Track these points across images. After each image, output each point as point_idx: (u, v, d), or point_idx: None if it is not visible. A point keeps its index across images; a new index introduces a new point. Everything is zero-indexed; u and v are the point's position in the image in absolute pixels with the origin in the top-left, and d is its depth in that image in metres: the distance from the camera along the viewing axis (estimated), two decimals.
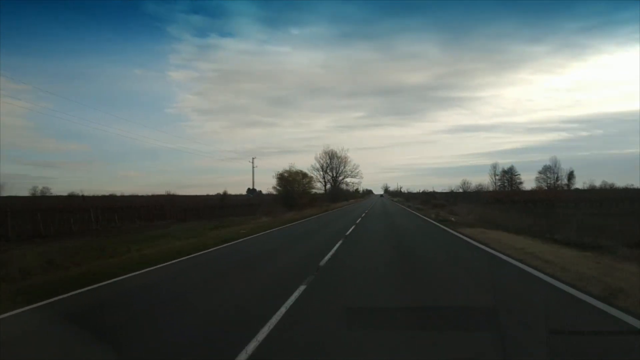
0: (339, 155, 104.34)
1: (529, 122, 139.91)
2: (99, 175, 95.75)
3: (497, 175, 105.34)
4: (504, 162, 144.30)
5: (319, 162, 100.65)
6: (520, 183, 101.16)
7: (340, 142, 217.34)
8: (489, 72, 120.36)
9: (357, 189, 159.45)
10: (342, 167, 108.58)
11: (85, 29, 60.36)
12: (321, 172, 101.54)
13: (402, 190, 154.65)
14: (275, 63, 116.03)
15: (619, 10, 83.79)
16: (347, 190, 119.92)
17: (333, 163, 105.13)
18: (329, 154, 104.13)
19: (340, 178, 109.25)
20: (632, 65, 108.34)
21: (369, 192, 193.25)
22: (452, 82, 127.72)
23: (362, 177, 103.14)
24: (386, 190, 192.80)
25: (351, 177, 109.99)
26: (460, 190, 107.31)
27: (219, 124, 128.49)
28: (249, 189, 73.91)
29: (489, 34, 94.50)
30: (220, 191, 68.65)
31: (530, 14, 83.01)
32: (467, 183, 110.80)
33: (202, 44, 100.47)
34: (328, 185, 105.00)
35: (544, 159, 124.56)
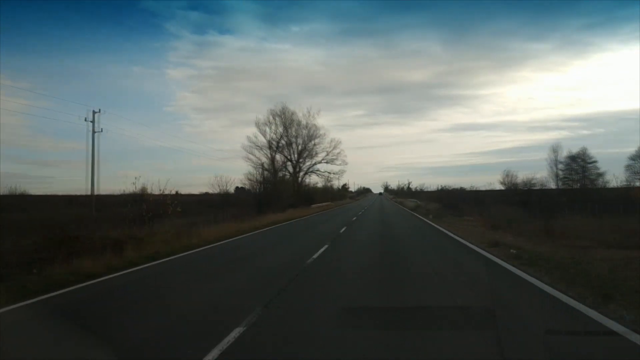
0: (302, 122, 58.90)
1: (530, 121, 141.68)
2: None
3: (561, 162, 64.20)
4: (504, 162, 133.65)
5: (266, 132, 55.27)
6: (600, 175, 60.93)
7: (340, 141, 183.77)
8: (490, 70, 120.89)
9: (346, 185, 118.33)
10: (311, 144, 65.79)
11: (83, 27, 54.76)
12: (269, 152, 59.09)
13: (411, 187, 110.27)
14: (275, 61, 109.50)
15: (621, 7, 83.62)
16: (326, 187, 77.57)
17: (291, 135, 62.95)
18: (282, 117, 61.06)
19: (308, 164, 66.70)
20: (634, 63, 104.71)
21: (366, 191, 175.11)
22: (453, 80, 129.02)
23: (345, 163, 63.57)
24: (386, 188, 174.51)
25: (327, 161, 67.31)
26: (500, 186, 68.46)
27: (217, 122, 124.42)
28: (237, 188, 48.83)
29: (490, 32, 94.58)
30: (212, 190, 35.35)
31: (532, 11, 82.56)
32: (512, 175, 70.23)
33: (201, 42, 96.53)
34: (287, 177, 62.12)
35: (545, 158, 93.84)
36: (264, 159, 56.78)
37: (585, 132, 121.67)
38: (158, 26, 78.14)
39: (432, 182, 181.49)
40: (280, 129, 58.63)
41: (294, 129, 61.17)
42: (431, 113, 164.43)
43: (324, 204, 49.68)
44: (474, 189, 72.32)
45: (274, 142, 58.19)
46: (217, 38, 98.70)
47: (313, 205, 42.65)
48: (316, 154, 64.31)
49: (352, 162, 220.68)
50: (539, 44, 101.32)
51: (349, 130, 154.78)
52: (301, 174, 63.66)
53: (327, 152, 64.13)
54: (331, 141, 63.99)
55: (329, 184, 72.31)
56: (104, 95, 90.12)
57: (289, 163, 60.60)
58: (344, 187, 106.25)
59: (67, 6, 58.41)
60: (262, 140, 56.81)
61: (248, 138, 56.50)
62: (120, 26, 66.04)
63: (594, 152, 78.37)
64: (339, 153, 64.56)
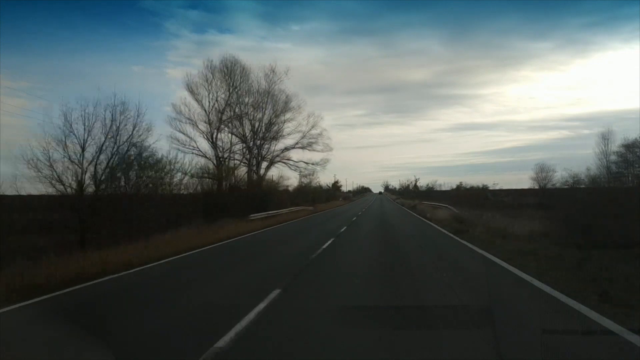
0: (262, 85, 39.90)
1: (530, 120, 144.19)
2: None
3: (613, 154, 47.15)
4: (505, 161, 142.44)
5: (202, 98, 35.83)
6: None
7: (340, 141, 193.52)
8: (491, 69, 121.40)
9: (338, 183, 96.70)
10: (279, 121, 44.97)
11: (82, 26, 52.14)
12: (208, 129, 35.97)
13: (419, 185, 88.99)
14: (275, 60, 74.30)
15: (623, 6, 79.70)
16: (305, 185, 57.11)
17: (244, 104, 38.75)
18: (225, 74, 36.53)
19: (273, 148, 45.54)
20: (635, 62, 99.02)
21: (365, 190, 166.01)
22: (453, 80, 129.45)
23: (329, 149, 44.72)
24: (386, 187, 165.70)
25: (302, 146, 46.82)
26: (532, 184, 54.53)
27: None
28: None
29: (491, 30, 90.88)
30: None
31: (533, 9, 77.95)
32: (547, 170, 55.00)
33: (201, 40, 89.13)
34: (240, 167, 41.23)
35: (546, 158, 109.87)
36: (202, 140, 36.93)
37: (586, 131, 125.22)
38: (158, 25, 77.24)
39: (439, 181, 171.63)
40: (224, 94, 38.51)
41: (251, 97, 40.78)
42: (432, 112, 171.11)
43: (286, 210, 29.73)
44: (497, 187, 53.64)
45: (214, 114, 38.17)
46: (217, 37, 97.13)
47: (255, 216, 22.76)
48: (284, 135, 44.21)
49: (352, 161, 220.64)
50: (540, 43, 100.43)
51: (349, 130, 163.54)
52: (264, 164, 43.84)
53: (302, 133, 44.10)
54: (309, 116, 43.85)
55: (307, 181, 52.37)
56: (103, 94, 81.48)
57: (242, 146, 40.69)
58: (335, 185, 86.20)
59: (65, 7, 55.01)
60: (198, 110, 36.69)
61: (174, 107, 36.41)
62: (119, 26, 64.04)
63: (594, 151, 71.03)
64: (319, 135, 44.41)
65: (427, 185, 72.02)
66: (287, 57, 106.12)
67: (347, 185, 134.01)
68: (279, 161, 43.32)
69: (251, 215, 22.75)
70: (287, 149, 43.27)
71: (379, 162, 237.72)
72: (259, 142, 40.99)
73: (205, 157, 35.97)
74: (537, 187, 63.15)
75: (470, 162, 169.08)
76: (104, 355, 4.01)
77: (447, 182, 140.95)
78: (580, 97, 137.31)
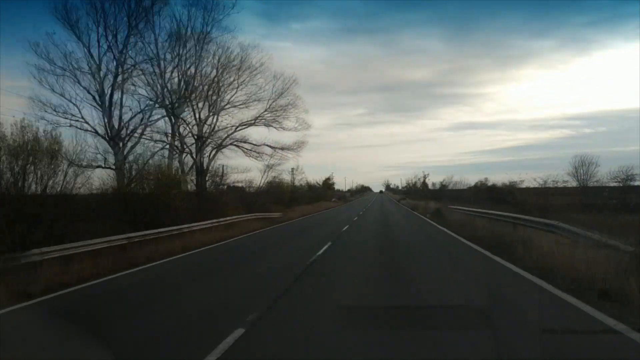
0: (198, 21, 25.23)
1: (532, 120, 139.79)
2: None
3: None
4: (506, 160, 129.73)
5: (84, 32, 20.37)
6: None
7: (341, 140, 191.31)
8: (492, 68, 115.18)
9: (329, 180, 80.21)
10: (231, 83, 26.12)
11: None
12: (94, 82, 20.97)
13: (427, 183, 73.66)
14: (275, 59, 49.39)
15: (624, 4, 78.13)
16: (280, 183, 42.53)
17: (167, 48, 23.88)
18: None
19: (220, 124, 28.52)
20: (637, 60, 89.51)
21: (365, 190, 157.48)
22: (454, 79, 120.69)
23: (306, 127, 27.82)
24: (387, 187, 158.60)
25: (266, 123, 31.63)
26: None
27: None
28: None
29: (493, 29, 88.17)
30: None
31: (535, 8, 77.82)
32: (589, 164, 41.15)
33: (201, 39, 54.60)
34: (149, 148, 26.84)
35: (547, 157, 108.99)
36: (90, 106, 22.71)
37: (587, 130, 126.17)
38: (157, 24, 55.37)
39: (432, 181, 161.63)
40: (123, 28, 22.86)
41: (178, 40, 26.25)
42: (433, 112, 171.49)
43: (208, 222, 15.82)
44: (520, 184, 39.27)
45: (108, 61, 23.56)
46: (217, 36, 75.21)
47: (56, 250, 8.88)
48: (238, 104, 28.23)
49: (353, 161, 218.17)
50: (541, 41, 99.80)
51: (349, 129, 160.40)
52: (209, 150, 29.54)
53: (266, 102, 29.92)
54: (275, 78, 29.71)
55: (275, 174, 38.10)
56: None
57: (158, 114, 26.21)
58: (327, 183, 71.64)
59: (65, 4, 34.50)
60: (79, 53, 21.71)
61: (35, 48, 20.17)
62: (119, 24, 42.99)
63: (595, 151, 68.54)
64: (292, 105, 30.42)
65: (441, 182, 57.56)
66: (288, 56, 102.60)
67: (346, 184, 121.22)
68: (230, 144, 29.32)
69: (46, 250, 8.72)
70: (242, 124, 29.22)
71: (380, 162, 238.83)
72: (195, 113, 27.02)
73: (95, 131, 22.05)
74: (575, 184, 49.45)
75: (471, 161, 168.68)
76: None
77: (452, 180, 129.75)
78: (582, 95, 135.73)
